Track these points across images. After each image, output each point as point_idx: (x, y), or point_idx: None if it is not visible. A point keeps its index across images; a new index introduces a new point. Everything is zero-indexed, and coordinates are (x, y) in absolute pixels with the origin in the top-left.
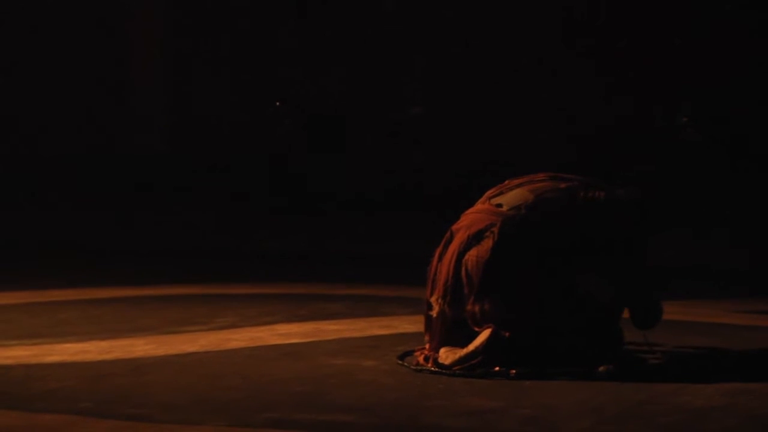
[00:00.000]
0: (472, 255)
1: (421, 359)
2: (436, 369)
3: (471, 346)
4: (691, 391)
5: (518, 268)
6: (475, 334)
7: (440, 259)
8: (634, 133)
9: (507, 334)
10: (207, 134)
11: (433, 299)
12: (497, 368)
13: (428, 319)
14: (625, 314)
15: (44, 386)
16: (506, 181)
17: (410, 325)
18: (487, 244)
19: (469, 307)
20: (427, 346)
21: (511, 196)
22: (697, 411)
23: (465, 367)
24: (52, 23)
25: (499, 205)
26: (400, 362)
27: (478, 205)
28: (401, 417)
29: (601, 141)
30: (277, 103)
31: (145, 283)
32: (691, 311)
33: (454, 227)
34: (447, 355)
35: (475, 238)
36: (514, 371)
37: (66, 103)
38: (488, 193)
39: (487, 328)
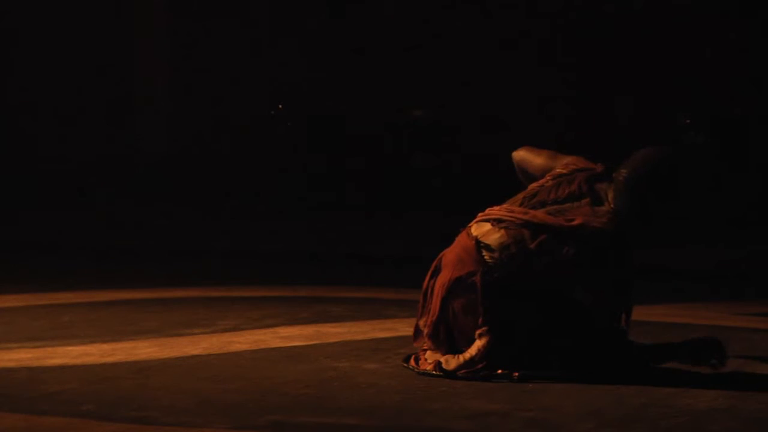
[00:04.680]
0: (457, 304)
1: (425, 367)
2: (440, 373)
3: (474, 350)
4: (694, 394)
5: (504, 309)
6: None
7: (430, 284)
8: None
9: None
10: (207, 136)
11: (421, 323)
12: (500, 371)
13: (417, 330)
14: None
15: (46, 389)
16: (506, 204)
17: (413, 328)
18: (469, 295)
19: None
20: (429, 352)
21: (496, 238)
22: (700, 414)
23: (468, 371)
24: (54, 23)
25: (486, 246)
26: (405, 365)
27: (464, 237)
28: (404, 420)
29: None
30: (279, 107)
31: (147, 285)
32: (691, 313)
33: (444, 260)
34: (450, 361)
35: (457, 284)
36: (516, 374)
37: (67, 104)
38: (486, 211)
39: (486, 336)
